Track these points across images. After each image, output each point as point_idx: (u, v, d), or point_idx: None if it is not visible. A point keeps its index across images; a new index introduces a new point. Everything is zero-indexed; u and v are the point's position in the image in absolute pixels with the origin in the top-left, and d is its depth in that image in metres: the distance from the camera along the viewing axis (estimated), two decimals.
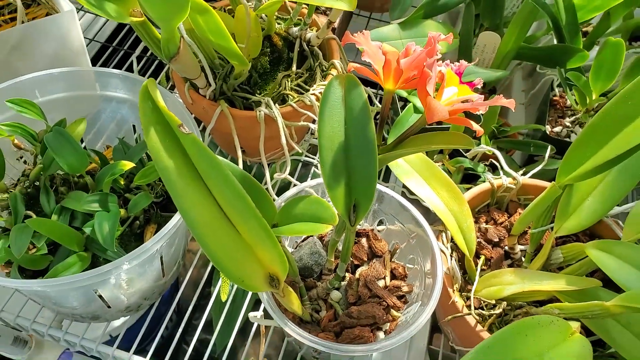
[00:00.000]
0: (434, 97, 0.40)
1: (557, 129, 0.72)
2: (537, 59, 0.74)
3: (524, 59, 0.75)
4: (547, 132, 0.70)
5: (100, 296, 0.51)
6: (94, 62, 0.81)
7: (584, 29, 0.86)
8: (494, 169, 0.65)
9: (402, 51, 0.43)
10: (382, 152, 0.45)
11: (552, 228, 0.52)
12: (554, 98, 0.75)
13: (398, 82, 0.43)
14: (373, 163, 0.41)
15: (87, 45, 0.77)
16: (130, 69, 0.77)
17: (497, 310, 0.48)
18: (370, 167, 0.42)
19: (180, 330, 0.58)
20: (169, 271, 0.57)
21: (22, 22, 0.59)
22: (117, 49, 0.81)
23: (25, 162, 0.58)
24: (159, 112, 0.39)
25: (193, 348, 0.58)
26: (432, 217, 0.55)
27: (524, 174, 0.58)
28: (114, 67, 0.81)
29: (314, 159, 0.71)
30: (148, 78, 0.66)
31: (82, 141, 0.64)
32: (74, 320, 0.57)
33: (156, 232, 0.51)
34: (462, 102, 0.42)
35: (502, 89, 0.83)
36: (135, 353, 0.57)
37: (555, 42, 0.72)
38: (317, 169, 0.72)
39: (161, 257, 0.52)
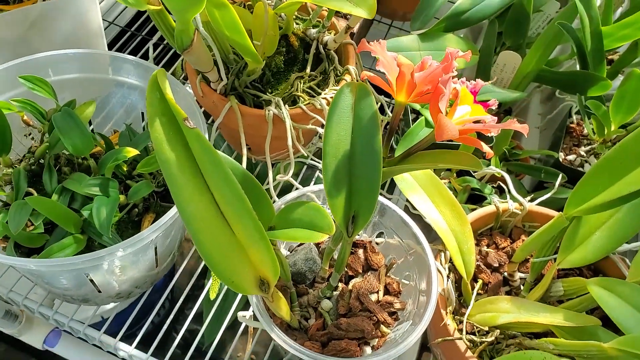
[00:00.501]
0: (445, 115, 0.40)
1: (571, 157, 0.71)
2: (558, 83, 0.72)
3: (544, 82, 0.73)
4: (560, 160, 0.68)
5: (91, 280, 0.51)
6: (111, 45, 0.81)
7: (609, 57, 0.84)
8: (501, 192, 0.64)
9: (418, 64, 0.43)
10: (388, 165, 0.44)
11: (555, 259, 0.51)
12: (571, 125, 0.74)
13: (411, 95, 0.42)
14: (377, 175, 0.41)
15: (105, 28, 0.77)
16: (146, 56, 0.77)
17: (489, 338, 0.47)
18: (373, 179, 0.41)
19: (170, 318, 0.58)
20: (162, 262, 0.56)
21: (42, 0, 0.59)
22: (135, 34, 0.80)
23: (32, 139, 0.58)
24: (166, 104, 0.39)
25: (182, 337, 0.57)
26: (432, 235, 0.54)
27: (531, 200, 0.57)
28: (130, 53, 0.81)
29: (319, 163, 0.70)
30: (161, 67, 0.66)
31: (90, 124, 0.64)
32: (64, 300, 0.57)
33: (154, 221, 0.50)
34: (474, 122, 0.41)
35: (518, 111, 0.82)
36: (123, 338, 0.57)
37: (578, 67, 0.71)
38: (322, 174, 0.71)
39: (155, 248, 0.52)
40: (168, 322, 0.57)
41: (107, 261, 0.46)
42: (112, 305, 0.73)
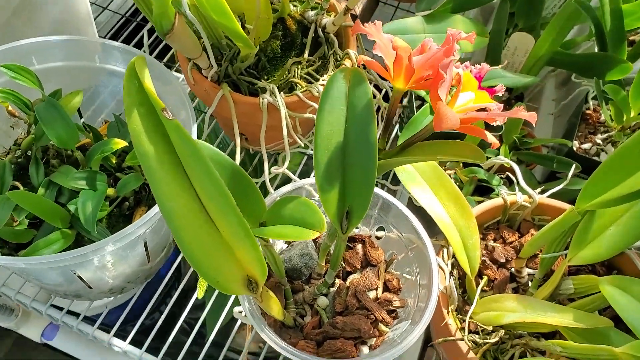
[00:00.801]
0: (446, 103, 0.37)
1: (586, 145, 0.67)
2: (574, 66, 0.68)
3: (559, 65, 0.69)
4: (574, 148, 0.65)
5: (80, 277, 0.49)
6: (105, 32, 0.79)
7: (630, 38, 0.79)
8: (510, 183, 0.60)
9: (417, 47, 0.39)
10: (385, 157, 0.41)
11: (565, 255, 0.48)
12: (587, 111, 0.70)
13: (409, 81, 0.39)
14: (372, 168, 0.38)
15: (98, 14, 0.75)
16: (141, 43, 0.75)
17: (493, 339, 0.44)
18: (368, 173, 0.38)
19: (165, 313, 0.56)
20: (155, 257, 0.54)
21: None
22: (130, 19, 0.78)
23: (21, 132, 0.56)
24: (144, 93, 0.36)
25: (180, 332, 0.56)
26: (436, 229, 0.51)
27: (542, 191, 0.53)
28: (125, 39, 0.79)
29: None
30: (155, 54, 0.62)
31: (81, 116, 0.62)
32: (57, 295, 0.55)
33: None
34: (478, 110, 0.38)
35: (531, 97, 0.78)
36: (121, 328, 0.55)
37: (596, 49, 0.66)
38: None
39: (145, 243, 0.50)
40: (163, 317, 0.56)
41: (93, 258, 0.44)
42: (108, 299, 0.72)
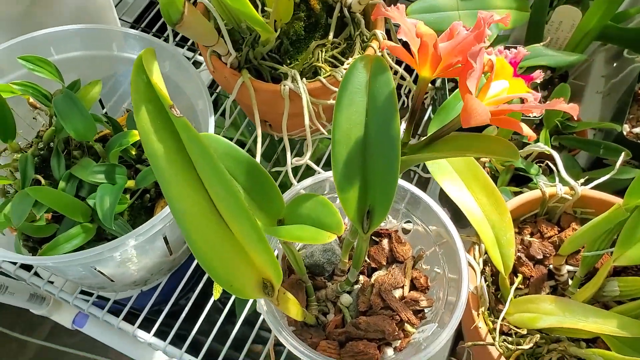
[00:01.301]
0: (476, 94, 0.33)
1: (638, 129, 0.61)
2: (626, 41, 0.62)
3: (609, 40, 0.63)
4: (625, 133, 0.59)
5: (100, 272, 0.49)
6: (130, 15, 0.78)
7: None
8: (550, 171, 0.56)
9: (446, 31, 0.36)
10: (410, 152, 0.38)
11: (610, 253, 0.44)
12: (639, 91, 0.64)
13: (436, 69, 0.36)
14: (394, 166, 0.35)
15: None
16: (165, 25, 0.73)
17: (527, 345, 0.41)
18: (390, 170, 0.36)
19: (189, 305, 0.56)
20: (177, 249, 0.54)
21: None
22: (154, 2, 0.76)
23: (43, 124, 0.55)
24: (153, 89, 0.35)
25: (205, 321, 0.55)
26: (467, 222, 0.48)
27: (586, 182, 0.49)
28: (149, 22, 0.77)
29: None
30: (177, 40, 0.59)
31: (103, 107, 0.61)
32: (82, 287, 0.56)
33: None
34: (513, 101, 0.34)
35: (578, 73, 0.72)
36: (150, 313, 0.55)
37: None
38: None
39: (165, 237, 0.49)
40: (187, 309, 0.55)
41: (112, 254, 0.44)
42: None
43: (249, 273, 0.36)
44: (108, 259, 0.46)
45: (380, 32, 0.56)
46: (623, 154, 0.51)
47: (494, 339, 0.41)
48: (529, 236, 0.50)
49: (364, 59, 0.36)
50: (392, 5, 0.36)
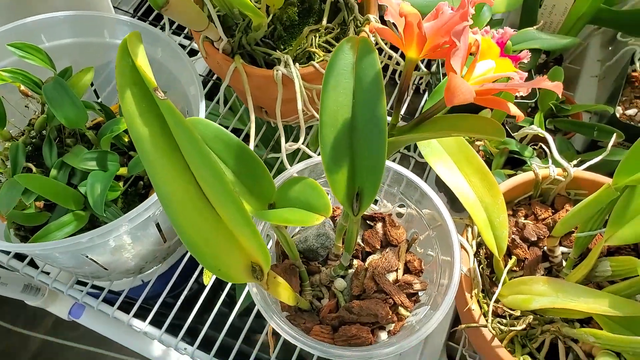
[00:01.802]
0: (462, 75, 0.33)
1: (631, 111, 0.61)
2: (620, 24, 0.62)
3: (603, 23, 0.63)
4: (618, 115, 0.59)
5: (92, 260, 0.49)
6: (127, 3, 0.78)
7: None
8: (545, 154, 0.56)
9: (432, 12, 0.36)
10: (398, 133, 0.38)
11: (602, 234, 0.44)
12: (633, 73, 0.63)
13: (422, 49, 0.36)
14: (382, 146, 0.35)
15: None
16: (160, 15, 0.73)
17: (520, 326, 0.41)
18: (378, 151, 0.35)
19: (184, 294, 0.56)
20: (171, 237, 0.54)
21: None
22: None
23: (35, 111, 0.55)
24: (137, 72, 0.34)
25: (202, 309, 0.56)
26: (463, 206, 0.48)
27: (579, 163, 0.49)
28: (145, 11, 0.77)
29: None
30: (172, 28, 0.59)
31: (98, 96, 0.61)
32: (77, 276, 0.56)
33: None
34: (498, 80, 0.34)
35: (573, 57, 0.71)
36: (146, 303, 0.55)
37: None
38: None
39: (157, 224, 0.49)
40: (182, 298, 0.55)
41: (103, 241, 0.44)
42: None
43: (238, 257, 0.36)
44: (101, 247, 0.46)
45: (373, 17, 0.55)
46: (614, 135, 0.50)
47: (487, 321, 0.41)
48: (523, 218, 0.50)
49: (351, 41, 0.36)
50: None
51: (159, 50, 0.51)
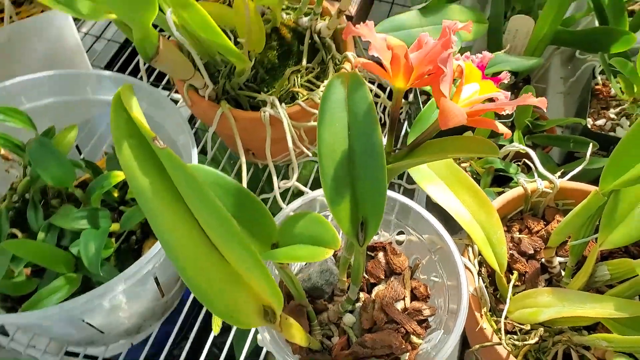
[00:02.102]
0: (449, 98, 0.34)
1: (600, 121, 0.64)
2: (577, 43, 0.65)
3: (562, 43, 0.66)
4: (589, 126, 0.62)
5: (89, 324, 0.47)
6: (101, 61, 0.78)
7: (629, 8, 0.76)
8: (529, 169, 0.58)
9: (414, 43, 0.37)
10: (394, 160, 0.39)
11: (596, 239, 0.45)
12: (597, 87, 0.67)
13: (409, 79, 0.37)
14: (381, 175, 0.36)
15: (93, 43, 0.73)
16: (137, 68, 0.73)
17: (532, 340, 0.42)
18: (378, 179, 0.36)
19: (186, 349, 0.54)
20: (169, 290, 0.52)
21: (12, 22, 0.55)
22: (125, 46, 0.77)
23: (17, 175, 0.54)
24: (133, 124, 0.34)
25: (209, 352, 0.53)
26: (457, 227, 0.48)
27: (562, 175, 0.51)
28: (121, 66, 0.77)
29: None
30: (152, 79, 0.60)
31: (80, 152, 0.60)
32: (69, 345, 0.53)
33: None
34: (485, 101, 0.35)
35: (538, 77, 0.75)
36: None
37: (596, 23, 0.64)
38: None
39: (156, 278, 0.48)
40: (187, 347, 0.53)
41: (101, 302, 0.42)
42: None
43: (248, 301, 0.35)
44: (97, 308, 0.45)
45: (351, 54, 0.57)
46: (590, 145, 0.53)
47: (500, 338, 0.41)
48: (517, 233, 0.51)
49: (341, 76, 0.37)
50: (361, 23, 0.37)
51: (143, 102, 0.51)
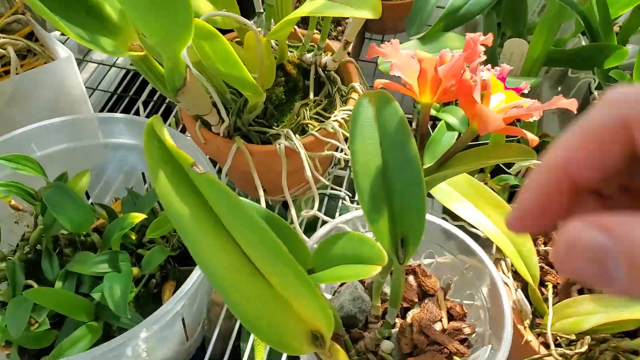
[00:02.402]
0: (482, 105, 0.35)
1: None
2: (570, 62, 0.68)
3: (555, 63, 0.69)
4: None
5: None
6: (99, 112, 0.78)
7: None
8: None
9: (436, 59, 0.38)
10: (427, 174, 0.39)
11: None
12: (595, 101, 0.69)
13: (436, 92, 0.38)
14: (419, 187, 0.35)
15: (90, 95, 0.73)
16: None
17: (582, 348, 0.41)
18: (416, 193, 0.36)
19: None
20: (192, 333, 0.50)
21: (17, 73, 0.55)
22: (122, 96, 0.77)
23: (27, 225, 0.52)
24: (167, 152, 0.34)
25: None
26: (480, 243, 0.48)
27: None
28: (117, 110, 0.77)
29: (340, 191, 0.65)
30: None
31: (88, 197, 0.59)
32: None
33: (175, 290, 0.45)
34: (514, 108, 0.36)
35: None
36: None
37: (583, 43, 0.67)
38: (345, 201, 0.66)
39: (183, 319, 0.46)
40: None
41: (130, 346, 0.40)
42: None
43: (296, 326, 0.34)
44: (124, 354, 0.42)
45: (357, 85, 0.58)
46: None
47: (549, 350, 0.40)
48: (543, 246, 0.51)
49: (367, 96, 0.37)
50: (385, 42, 0.38)
51: None
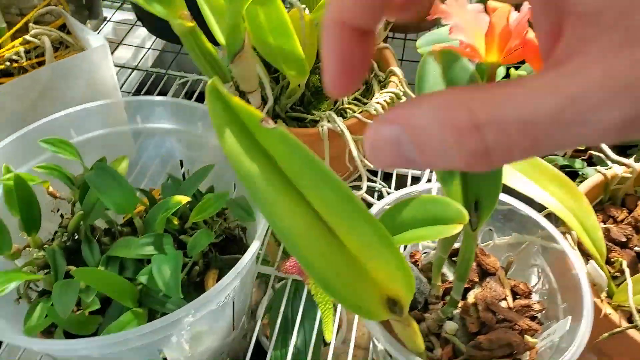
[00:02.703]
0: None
1: None
2: None
3: None
4: None
5: (164, 359, 0.41)
6: (135, 93, 0.78)
7: None
8: (589, 164, 0.56)
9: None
10: None
11: None
12: None
13: (504, 49, 0.36)
14: None
15: (130, 75, 0.73)
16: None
17: None
18: None
19: None
20: (238, 323, 0.47)
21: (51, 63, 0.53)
22: (160, 74, 0.77)
23: (61, 215, 0.50)
24: (232, 111, 0.32)
25: None
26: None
27: (637, 160, 0.49)
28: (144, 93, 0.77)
29: (375, 180, 0.63)
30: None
31: None
32: None
33: (218, 279, 0.43)
34: None
35: None
36: None
37: None
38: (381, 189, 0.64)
39: (233, 303, 0.43)
40: None
41: (177, 329, 0.37)
42: None
43: (372, 291, 0.31)
44: (173, 338, 0.40)
45: (396, 68, 0.57)
46: None
47: (634, 322, 0.38)
48: (602, 224, 0.49)
49: (433, 54, 0.36)
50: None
51: (199, 124, 0.49)
